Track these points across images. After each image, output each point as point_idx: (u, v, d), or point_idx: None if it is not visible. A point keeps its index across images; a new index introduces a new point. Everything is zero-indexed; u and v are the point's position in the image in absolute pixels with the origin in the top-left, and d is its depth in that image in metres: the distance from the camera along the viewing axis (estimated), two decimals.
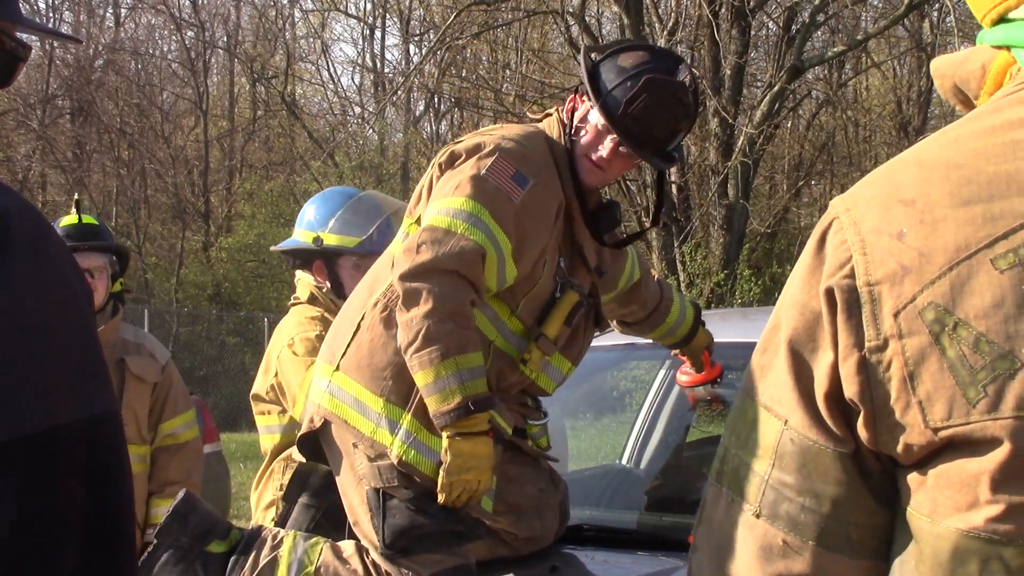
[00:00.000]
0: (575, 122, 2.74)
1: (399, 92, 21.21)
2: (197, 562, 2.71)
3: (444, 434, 2.47)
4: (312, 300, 3.55)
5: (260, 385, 3.54)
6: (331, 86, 27.79)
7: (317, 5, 25.48)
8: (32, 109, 22.77)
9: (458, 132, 18.70)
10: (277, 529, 2.75)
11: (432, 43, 17.31)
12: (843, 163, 20.99)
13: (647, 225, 3.48)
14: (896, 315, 1.00)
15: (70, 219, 3.86)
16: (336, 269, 3.56)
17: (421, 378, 2.47)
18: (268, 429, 3.54)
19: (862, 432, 1.04)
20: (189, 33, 25.83)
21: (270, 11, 26.61)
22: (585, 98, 2.74)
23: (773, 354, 1.10)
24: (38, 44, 21.77)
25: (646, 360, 4.16)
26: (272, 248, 3.83)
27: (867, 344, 1.02)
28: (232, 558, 2.70)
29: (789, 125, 19.94)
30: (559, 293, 2.70)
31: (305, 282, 3.61)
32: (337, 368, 2.65)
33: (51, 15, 24.70)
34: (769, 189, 21.04)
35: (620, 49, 2.77)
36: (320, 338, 3.36)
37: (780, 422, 1.08)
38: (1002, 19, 1.10)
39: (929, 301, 0.99)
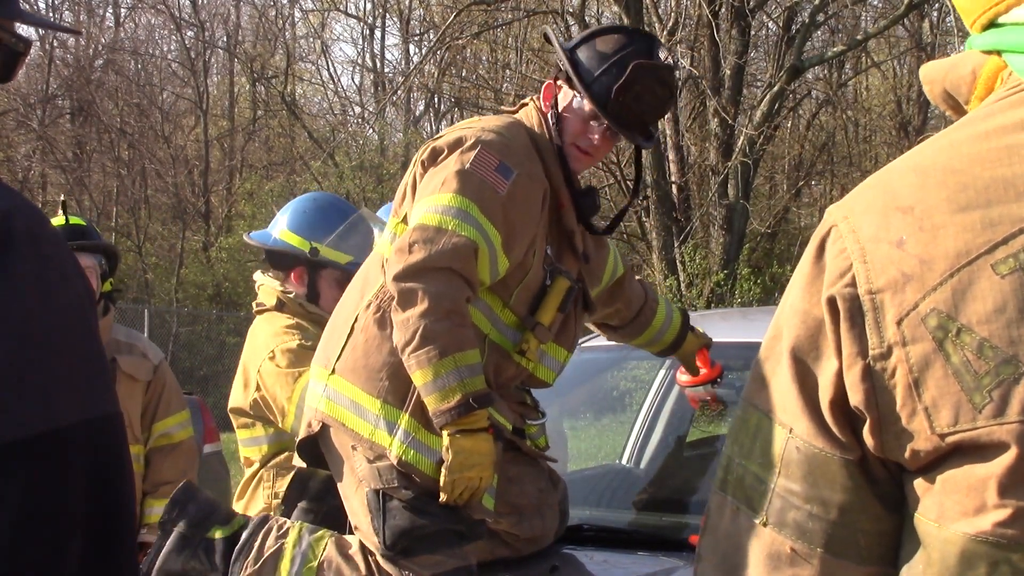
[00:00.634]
0: (559, 110, 2.73)
1: (399, 92, 21.22)
2: (200, 548, 2.73)
3: (445, 432, 2.46)
4: (280, 306, 3.52)
5: (240, 399, 3.50)
6: (331, 86, 27.80)
7: (317, 5, 25.48)
8: (32, 109, 22.76)
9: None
10: (284, 519, 2.75)
11: (432, 43, 17.33)
12: (843, 163, 20.99)
13: (628, 200, 3.47)
14: (899, 323, 1.01)
15: (57, 220, 3.85)
16: (318, 279, 3.54)
17: (420, 377, 2.46)
18: (254, 441, 3.52)
19: (868, 439, 1.04)
20: (189, 33, 25.84)
21: (270, 11, 26.62)
22: (565, 86, 2.73)
23: (776, 363, 1.10)
24: (38, 44, 21.77)
25: (646, 360, 4.16)
26: (250, 240, 3.75)
27: (871, 352, 1.02)
28: (237, 545, 2.71)
29: (789, 125, 19.94)
30: (549, 281, 2.69)
31: (269, 287, 3.56)
32: (333, 371, 2.64)
33: (51, 15, 24.67)
34: (769, 189, 21.04)
35: (595, 34, 2.77)
36: (302, 347, 3.34)
37: (785, 430, 1.09)
38: (992, 24, 1.10)
39: (932, 308, 0.99)
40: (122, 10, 26.31)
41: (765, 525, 1.10)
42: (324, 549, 2.63)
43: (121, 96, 23.85)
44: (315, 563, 2.61)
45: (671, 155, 15.57)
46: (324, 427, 2.65)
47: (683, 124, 16.24)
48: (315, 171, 23.32)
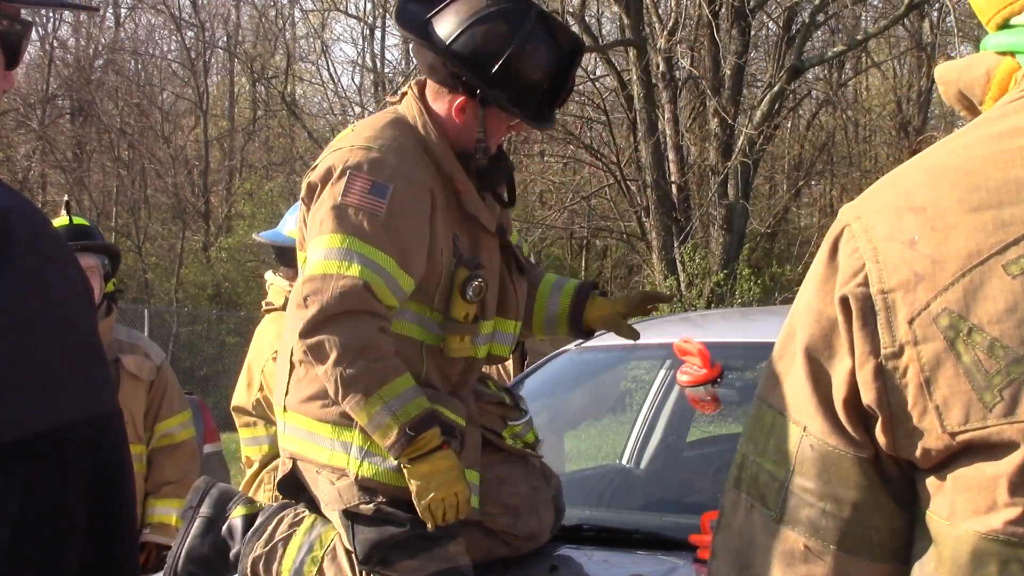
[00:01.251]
0: (435, 95, 2.65)
1: (399, 92, 21.17)
2: (224, 530, 2.78)
3: (401, 464, 2.47)
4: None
5: (243, 398, 3.51)
6: (331, 86, 27.78)
7: (317, 5, 25.47)
8: (32, 109, 22.76)
9: None
10: (302, 509, 2.76)
11: None
12: (843, 163, 20.99)
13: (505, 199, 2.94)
14: (911, 322, 1.02)
15: (61, 220, 3.86)
16: None
17: (360, 420, 2.47)
18: (255, 440, 3.53)
19: (880, 437, 1.05)
20: (189, 33, 25.83)
21: (270, 11, 26.60)
22: (439, 66, 2.62)
23: (790, 361, 1.11)
24: (38, 44, 21.77)
25: (646, 360, 4.16)
26: (260, 238, 3.75)
27: (883, 351, 1.03)
28: (252, 528, 2.74)
29: (789, 125, 19.95)
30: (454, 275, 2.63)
31: (279, 287, 3.56)
32: (285, 408, 2.66)
33: (51, 14, 24.67)
34: (769, 189, 21.04)
35: (449, 2, 2.63)
36: None
37: (799, 428, 1.10)
38: (1006, 24, 1.10)
39: (943, 307, 1.00)
40: (122, 10, 26.33)
41: (779, 522, 1.11)
42: (331, 540, 2.64)
43: (121, 96, 23.85)
44: (320, 552, 2.62)
45: (671, 155, 15.57)
46: (294, 463, 2.66)
47: (683, 124, 16.24)
48: None
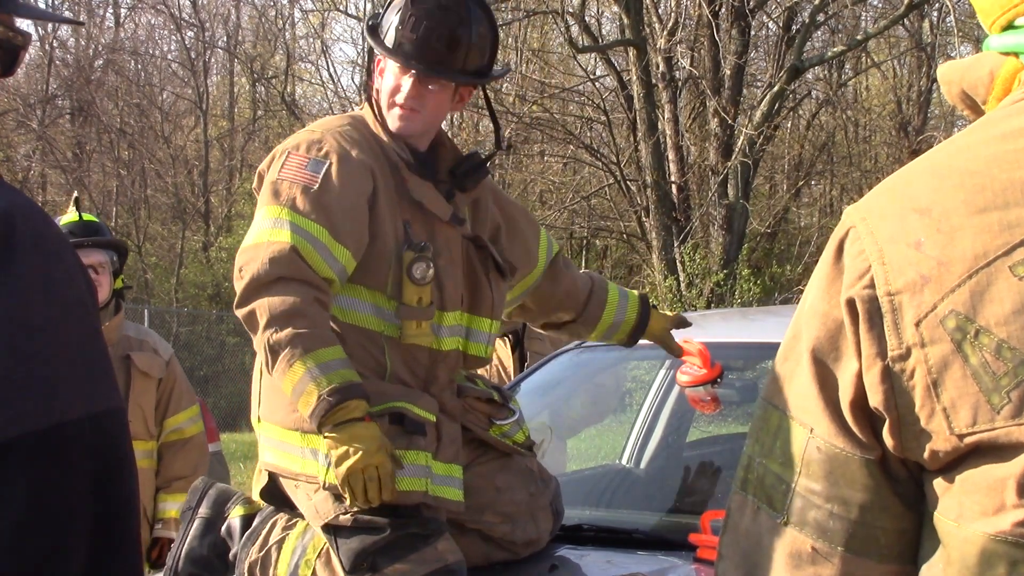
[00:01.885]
0: (375, 84, 2.72)
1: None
2: (223, 531, 2.79)
3: (323, 435, 2.43)
4: None
5: None
6: (331, 86, 27.78)
7: (317, 5, 25.46)
8: (32, 109, 22.76)
9: (458, 131, 18.70)
10: (294, 513, 2.75)
11: None
12: (843, 163, 20.98)
13: (491, 151, 3.07)
14: (918, 324, 1.02)
15: (71, 217, 3.88)
16: None
17: (286, 390, 2.45)
18: None
19: (888, 439, 1.05)
20: (189, 33, 25.84)
21: (270, 11, 26.62)
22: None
23: (795, 363, 1.11)
24: (38, 44, 21.77)
25: (646, 360, 4.16)
26: None
27: (890, 353, 1.03)
28: (247, 532, 2.74)
29: (789, 125, 19.95)
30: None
31: None
32: (259, 419, 2.66)
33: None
34: (769, 189, 21.04)
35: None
36: None
37: (806, 430, 1.10)
38: (1011, 25, 1.10)
39: (950, 309, 1.00)
40: (122, 10, 26.33)
41: (786, 524, 1.11)
42: (324, 545, 2.63)
43: (121, 96, 23.85)
44: (313, 556, 2.62)
45: (671, 155, 15.57)
46: (271, 476, 2.65)
47: (683, 124, 16.24)
48: None
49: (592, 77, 17.70)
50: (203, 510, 2.83)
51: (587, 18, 16.37)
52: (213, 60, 26.58)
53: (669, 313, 3.16)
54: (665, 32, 15.33)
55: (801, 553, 1.10)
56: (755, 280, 15.09)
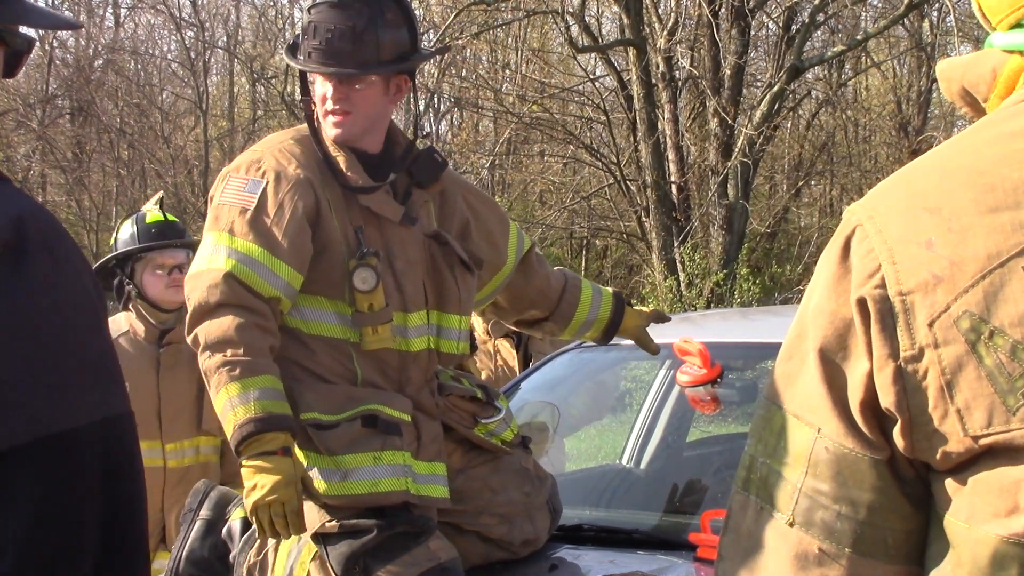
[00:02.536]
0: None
1: None
2: (224, 532, 2.81)
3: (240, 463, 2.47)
4: None
5: None
6: None
7: None
8: (32, 109, 22.75)
9: (458, 132, 18.71)
10: None
11: (432, 43, 17.32)
12: (843, 163, 20.97)
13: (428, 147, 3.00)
14: (931, 324, 1.01)
15: (156, 216, 3.91)
16: None
17: (217, 412, 2.50)
18: None
19: (898, 440, 1.04)
20: (189, 33, 25.81)
21: (270, 11, 26.61)
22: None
23: (800, 362, 1.10)
24: (38, 44, 21.74)
25: (646, 360, 4.16)
26: None
27: (902, 354, 1.02)
28: (246, 535, 2.75)
29: (789, 125, 19.93)
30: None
31: None
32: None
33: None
34: (769, 189, 21.03)
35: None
36: None
37: (813, 430, 1.08)
38: (1019, 24, 1.09)
39: (964, 310, 0.99)
40: (122, 10, 26.33)
41: (791, 525, 1.10)
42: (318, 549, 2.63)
43: (121, 96, 23.84)
44: (308, 559, 2.62)
45: (671, 155, 15.56)
46: None
47: (683, 124, 16.23)
48: None
49: (592, 77, 17.70)
50: (204, 512, 2.84)
51: (587, 18, 16.36)
52: (213, 60, 26.58)
53: (646, 310, 3.16)
54: (665, 32, 15.33)
55: (808, 554, 1.09)
56: (755, 280, 15.08)
